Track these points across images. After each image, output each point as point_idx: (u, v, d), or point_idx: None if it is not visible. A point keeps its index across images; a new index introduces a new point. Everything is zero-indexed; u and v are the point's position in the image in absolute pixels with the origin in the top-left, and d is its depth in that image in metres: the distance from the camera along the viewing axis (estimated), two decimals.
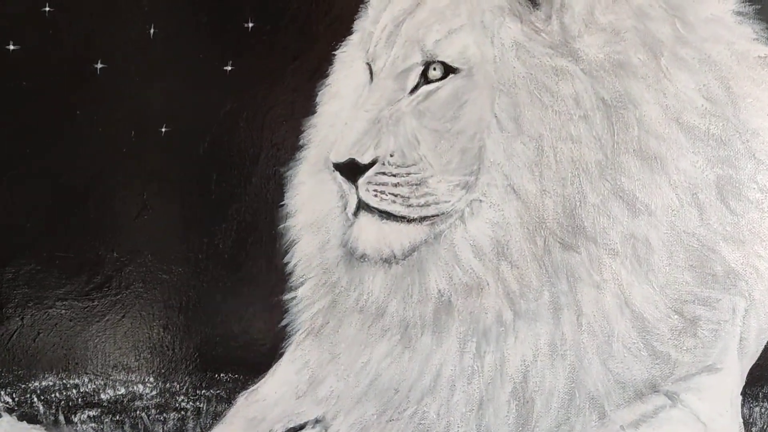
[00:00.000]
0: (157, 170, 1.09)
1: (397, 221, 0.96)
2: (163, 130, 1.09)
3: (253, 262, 1.10)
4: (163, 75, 1.10)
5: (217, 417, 1.08)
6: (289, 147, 1.08)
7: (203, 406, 1.08)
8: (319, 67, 1.06)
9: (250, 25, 1.10)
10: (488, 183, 0.94)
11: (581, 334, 0.94)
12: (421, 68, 0.96)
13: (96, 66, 1.09)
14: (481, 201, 0.95)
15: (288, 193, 1.09)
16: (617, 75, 0.94)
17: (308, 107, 1.06)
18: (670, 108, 0.94)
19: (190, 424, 1.07)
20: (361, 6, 1.05)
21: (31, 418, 1.08)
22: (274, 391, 1.07)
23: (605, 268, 0.94)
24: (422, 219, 0.96)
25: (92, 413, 1.07)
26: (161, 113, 1.10)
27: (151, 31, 1.09)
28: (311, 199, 1.05)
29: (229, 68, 1.09)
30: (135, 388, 1.08)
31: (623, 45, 0.94)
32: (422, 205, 0.96)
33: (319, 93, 1.07)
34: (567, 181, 0.93)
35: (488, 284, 0.95)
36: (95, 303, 1.09)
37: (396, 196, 0.95)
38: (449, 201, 0.95)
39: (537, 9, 0.95)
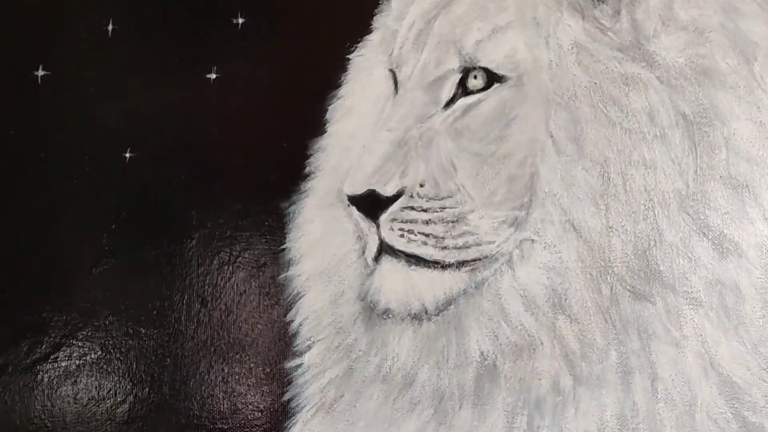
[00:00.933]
0: (120, 207, 1.16)
1: (429, 268, 1.08)
2: (128, 155, 1.18)
3: (246, 321, 1.20)
4: (125, 85, 1.18)
5: None
6: (292, 176, 1.20)
7: None
8: (329, 75, 1.19)
9: (240, 21, 1.19)
10: (542, 219, 1.06)
11: (657, 403, 1.04)
12: (459, 76, 1.10)
13: (36, 73, 1.13)
14: (533, 241, 1.06)
15: (291, 235, 1.20)
16: (701, 84, 1.06)
17: (316, 126, 1.19)
18: (765, 125, 1.07)
19: None
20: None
21: None
22: None
23: (686, 321, 1.04)
24: (460, 264, 1.08)
25: None
26: (124, 134, 1.18)
27: (110, 27, 1.16)
28: (321, 242, 1.17)
29: (213, 76, 1.18)
30: None
31: (708, 47, 1.07)
32: (460, 247, 1.07)
33: (330, 108, 1.20)
34: (639, 216, 1.05)
35: (542, 343, 1.05)
36: (40, 377, 1.14)
37: (428, 236, 1.07)
38: (494, 242, 1.07)
39: (602, 2, 1.09)
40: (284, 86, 1.21)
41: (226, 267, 1.18)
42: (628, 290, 1.03)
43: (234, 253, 1.18)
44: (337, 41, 1.17)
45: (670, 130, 1.04)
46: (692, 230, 1.03)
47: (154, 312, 1.15)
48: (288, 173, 1.19)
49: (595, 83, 1.05)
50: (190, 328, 1.16)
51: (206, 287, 1.18)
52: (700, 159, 1.04)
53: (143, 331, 1.15)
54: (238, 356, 1.16)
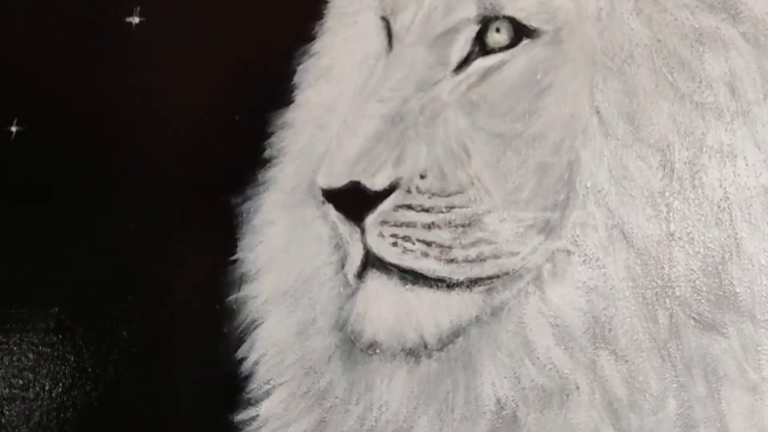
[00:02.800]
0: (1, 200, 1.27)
1: (431, 287, 1.20)
2: (14, 129, 1.28)
3: (181, 359, 1.31)
4: (8, 36, 1.28)
5: None
6: (246, 161, 1.31)
7: None
8: (297, 23, 1.30)
9: None
10: (582, 223, 1.18)
11: None
12: (476, 29, 1.21)
13: None
14: (569, 253, 1.18)
15: (244, 242, 1.31)
16: None
17: (279, 93, 1.30)
18: None
19: None
20: None
21: None
22: None
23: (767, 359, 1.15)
24: (472, 283, 1.20)
25: None
26: (8, 102, 1.27)
27: None
28: (285, 252, 1.28)
29: (134, 20, 1.30)
30: None
31: None
32: (473, 260, 1.19)
33: (299, 68, 1.31)
34: (711, 220, 1.17)
35: (578, 388, 1.16)
36: None
37: (429, 245, 1.19)
38: (518, 253, 1.19)
39: None
40: (236, 37, 1.32)
41: (153, 286, 1.30)
42: (693, 318, 1.13)
43: (164, 267, 1.29)
44: None
45: (757, 107, 1.16)
46: None
47: (49, 354, 1.27)
48: (240, 157, 1.30)
49: (659, 41, 1.16)
50: (101, 376, 1.28)
51: (121, 315, 1.28)
52: None
53: (32, 378, 1.28)
54: (168, 406, 1.27)
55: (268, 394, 1.28)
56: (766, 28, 1.19)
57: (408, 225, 1.19)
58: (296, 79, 1.32)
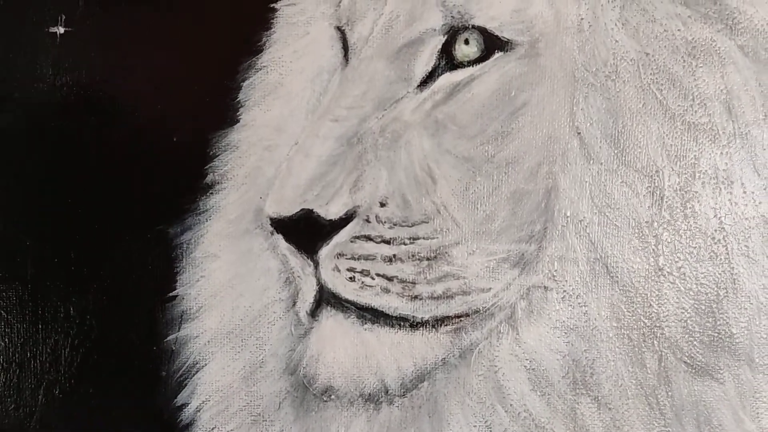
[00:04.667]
0: None
1: (393, 327, 1.16)
2: None
3: (113, 407, 1.27)
4: None
5: None
6: (186, 187, 1.26)
7: None
8: (243, 34, 1.24)
9: None
10: (561, 256, 1.14)
11: None
12: (442, 40, 1.16)
13: None
14: (547, 289, 1.15)
15: (184, 276, 1.26)
16: None
17: (223, 111, 1.25)
18: None
19: None
20: None
21: None
22: None
23: (767, 407, 1.12)
24: (439, 322, 1.16)
25: None
26: None
27: None
28: (230, 287, 1.23)
29: (59, 30, 1.25)
30: None
31: None
32: (439, 297, 1.15)
33: (245, 84, 1.26)
34: (704, 253, 1.13)
35: None
36: None
37: (391, 279, 1.15)
38: (489, 289, 1.15)
39: None
40: (173, 49, 1.26)
41: (84, 324, 1.25)
42: (684, 362, 1.11)
43: (95, 304, 1.24)
44: None
45: (757, 128, 1.11)
46: None
47: None
48: (179, 183, 1.25)
49: (647, 54, 1.11)
50: (22, 419, 1.23)
51: (47, 356, 1.24)
52: None
53: None
54: None
55: None
56: (767, 40, 1.13)
57: (367, 258, 1.15)
58: (241, 96, 1.27)
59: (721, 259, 1.13)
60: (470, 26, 1.15)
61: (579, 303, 1.14)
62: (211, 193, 1.27)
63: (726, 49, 1.13)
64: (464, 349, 1.16)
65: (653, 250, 1.13)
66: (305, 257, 1.16)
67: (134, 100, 1.30)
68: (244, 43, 1.26)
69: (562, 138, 1.14)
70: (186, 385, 1.26)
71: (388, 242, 1.15)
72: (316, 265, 1.16)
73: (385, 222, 1.15)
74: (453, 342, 1.16)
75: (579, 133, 1.13)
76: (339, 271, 1.15)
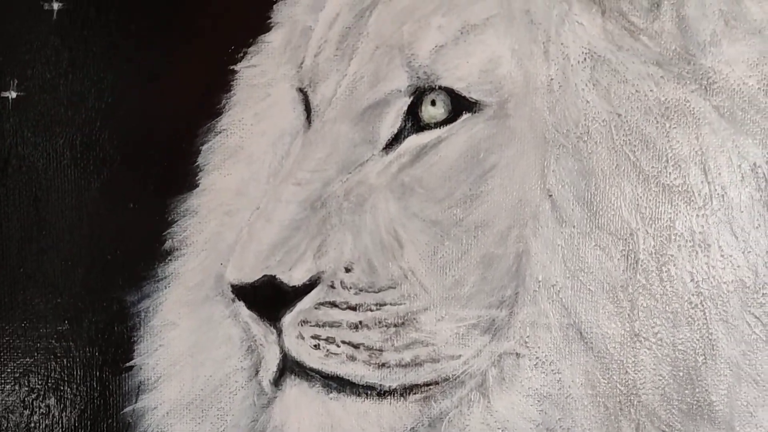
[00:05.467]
0: None
1: (359, 395, 1.14)
2: None
3: None
4: None
5: None
6: (144, 253, 1.25)
7: None
8: (202, 97, 1.23)
9: (56, 5, 1.25)
10: (533, 322, 1.13)
11: None
12: (408, 101, 1.15)
13: None
14: (519, 356, 1.13)
15: (141, 345, 1.25)
16: None
17: (181, 176, 1.24)
18: None
19: None
20: None
21: None
22: None
23: None
24: (407, 390, 1.14)
25: None
26: None
27: None
28: (190, 356, 1.22)
29: (11, 95, 1.24)
30: None
31: None
32: (408, 365, 1.14)
33: (204, 148, 1.24)
34: (681, 318, 1.12)
35: None
36: None
37: (357, 347, 1.13)
38: (459, 356, 1.14)
39: None
40: (129, 112, 1.25)
41: (37, 396, 1.23)
42: (663, 431, 1.10)
43: (43, 377, 1.22)
44: (216, 43, 1.22)
45: (734, 189, 1.10)
46: (761, 340, 1.09)
47: None
48: (137, 250, 1.24)
49: (619, 115, 1.10)
50: None
51: None
52: None
53: None
54: None
55: None
56: (744, 100, 1.13)
57: (332, 325, 1.13)
58: (201, 160, 1.26)
59: (698, 324, 1.12)
60: (437, 87, 1.14)
61: (552, 370, 1.13)
62: (170, 260, 1.26)
63: (701, 109, 1.12)
64: (434, 418, 1.15)
65: (628, 315, 1.12)
66: (268, 325, 1.15)
67: (88, 165, 1.28)
68: (204, 105, 1.24)
69: (533, 201, 1.13)
70: None
71: (353, 308, 1.13)
72: (280, 332, 1.14)
73: (350, 288, 1.14)
74: (422, 411, 1.15)
75: (550, 196, 1.12)
76: (303, 338, 1.13)
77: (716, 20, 1.13)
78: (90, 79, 1.28)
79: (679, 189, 1.13)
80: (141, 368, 1.25)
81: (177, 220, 1.26)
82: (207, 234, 1.24)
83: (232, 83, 1.24)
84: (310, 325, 1.13)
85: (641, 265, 1.12)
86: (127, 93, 1.28)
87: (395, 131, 1.16)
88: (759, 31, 1.13)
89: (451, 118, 1.14)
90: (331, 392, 1.15)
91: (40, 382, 1.27)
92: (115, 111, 1.27)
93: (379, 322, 1.14)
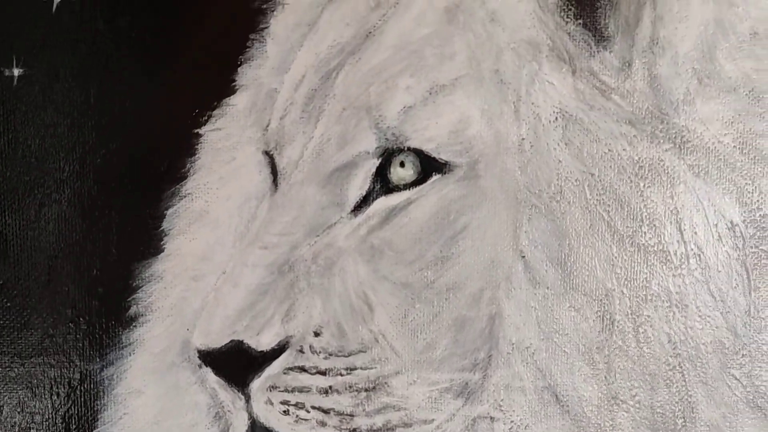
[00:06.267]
0: None
1: None
2: None
3: None
4: None
5: None
6: (107, 320, 1.24)
7: None
8: (165, 160, 1.24)
9: (17, 71, 1.26)
10: (507, 385, 1.12)
11: None
12: (377, 163, 1.15)
13: None
14: (493, 420, 1.13)
15: (105, 414, 1.24)
16: (758, 177, 1.12)
17: (146, 241, 1.24)
18: None
19: None
20: (251, 37, 1.22)
21: None
22: None
23: None
24: None
25: None
26: None
27: None
28: (155, 424, 1.21)
29: None
30: None
31: None
32: (379, 429, 1.14)
33: (169, 212, 1.24)
34: (659, 380, 1.11)
35: None
36: None
37: (327, 412, 1.13)
38: (432, 420, 1.14)
39: (605, 48, 1.13)
40: (93, 176, 1.25)
41: None
42: None
43: None
44: (179, 106, 1.22)
45: (710, 248, 1.10)
46: (743, 402, 1.09)
47: None
48: (100, 316, 1.23)
49: (592, 175, 1.11)
50: None
51: None
52: (755, 293, 1.10)
53: None
54: None
55: None
56: (719, 158, 1.13)
57: (301, 390, 1.13)
58: (165, 224, 1.25)
59: (677, 386, 1.11)
60: (406, 148, 1.14)
61: None
62: (135, 326, 1.25)
63: (675, 168, 1.12)
64: None
65: (605, 377, 1.11)
66: (236, 390, 1.14)
67: (55, 227, 1.28)
68: (168, 169, 1.25)
69: (506, 262, 1.13)
70: None
71: (323, 373, 1.13)
72: (248, 398, 1.14)
73: (320, 352, 1.14)
74: None
75: (523, 257, 1.12)
76: (272, 404, 1.13)
77: (689, 79, 1.13)
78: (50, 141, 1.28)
79: (655, 249, 1.12)
80: None
81: (142, 286, 1.25)
82: (172, 299, 1.23)
83: (196, 147, 1.24)
84: (279, 391, 1.13)
85: (617, 326, 1.12)
86: (90, 157, 1.27)
87: (364, 193, 1.16)
88: (734, 89, 1.13)
89: (421, 179, 1.14)
90: None
91: None
92: (79, 176, 1.27)
93: (350, 387, 1.13)
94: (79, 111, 1.25)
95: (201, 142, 1.25)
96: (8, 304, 1.27)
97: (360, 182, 1.16)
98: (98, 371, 1.26)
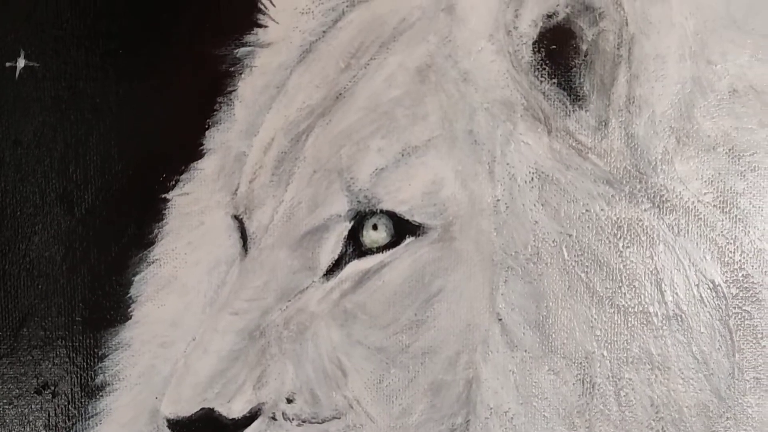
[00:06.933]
0: None
1: None
2: None
3: None
4: None
5: None
6: (74, 390, 1.24)
7: None
8: (131, 226, 1.24)
9: None
10: None
11: None
12: (349, 226, 1.15)
13: None
14: None
15: None
16: (740, 236, 1.12)
17: (113, 309, 1.23)
18: None
19: None
20: (219, 100, 1.22)
21: None
22: None
23: None
24: None
25: None
26: None
27: None
28: None
29: None
30: None
31: (751, 179, 1.12)
32: None
33: (136, 279, 1.24)
34: None
35: None
36: None
37: None
38: None
39: (580, 107, 1.13)
40: (58, 242, 1.24)
41: None
42: None
43: None
44: (146, 171, 1.22)
45: (691, 309, 1.09)
46: None
47: None
48: (66, 385, 1.22)
49: (570, 235, 1.10)
50: None
51: None
52: (739, 354, 1.09)
53: None
54: None
55: None
56: (699, 218, 1.12)
57: None
58: (133, 291, 1.25)
59: None
60: (378, 211, 1.14)
61: None
62: (102, 396, 1.24)
63: (655, 228, 1.12)
64: None
65: None
66: None
67: (15, 295, 1.28)
68: (135, 235, 1.25)
69: (482, 325, 1.12)
70: None
71: None
72: None
73: (293, 419, 1.13)
74: None
75: (500, 320, 1.12)
76: None
77: (667, 137, 1.13)
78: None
79: (635, 310, 1.12)
80: None
81: (109, 354, 1.24)
82: (141, 367, 1.22)
83: (164, 212, 1.24)
84: None
85: (598, 390, 1.11)
86: (56, 222, 1.27)
87: (336, 257, 1.15)
88: (713, 147, 1.13)
89: (394, 241, 1.14)
90: None
91: None
92: (45, 244, 1.27)
93: None
94: (44, 176, 1.25)
95: (169, 207, 1.24)
96: None
97: (332, 246, 1.15)
98: None
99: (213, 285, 1.20)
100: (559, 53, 1.13)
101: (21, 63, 1.24)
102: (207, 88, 1.22)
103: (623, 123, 1.13)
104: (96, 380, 1.24)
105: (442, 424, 1.13)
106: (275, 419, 1.13)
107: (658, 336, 1.11)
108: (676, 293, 1.11)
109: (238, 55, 1.21)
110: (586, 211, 1.12)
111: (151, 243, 1.24)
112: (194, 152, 1.23)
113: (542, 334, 1.11)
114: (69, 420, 1.24)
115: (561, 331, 1.12)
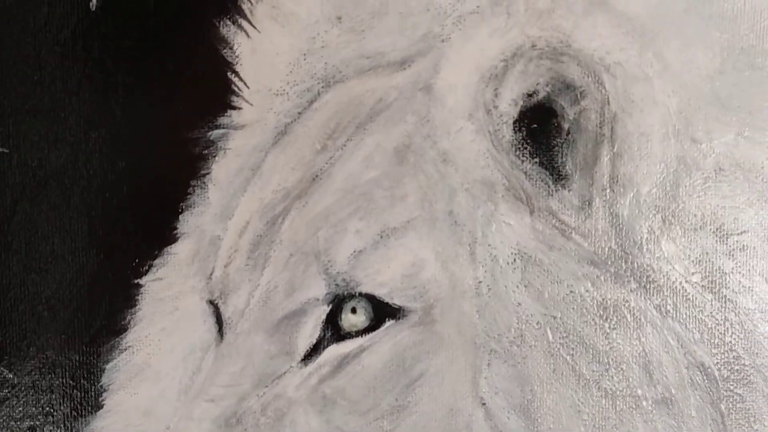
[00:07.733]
0: None
1: None
2: None
3: None
4: None
5: None
6: None
7: None
8: (105, 314, 1.23)
9: None
10: None
11: None
12: (327, 309, 1.14)
13: None
14: None
15: None
16: (732, 319, 1.11)
17: (84, 398, 1.22)
18: None
19: None
20: (192, 183, 1.21)
21: None
22: None
23: None
24: None
25: None
26: None
27: None
28: None
29: None
30: None
31: (741, 258, 1.11)
32: None
33: (109, 367, 1.22)
34: None
35: None
36: None
37: None
38: None
39: (563, 187, 1.13)
40: (29, 333, 1.24)
41: None
42: None
43: None
44: (119, 256, 1.22)
45: (681, 392, 1.08)
46: None
47: None
48: None
49: (554, 317, 1.10)
50: None
51: None
52: None
53: None
54: None
55: None
56: (687, 299, 1.11)
57: None
58: (104, 379, 1.23)
59: None
60: (357, 294, 1.13)
61: None
62: None
63: (641, 309, 1.11)
64: None
65: None
66: None
67: None
68: (108, 323, 1.23)
69: (466, 410, 1.11)
70: None
71: None
72: None
73: None
74: None
75: (484, 404, 1.11)
76: None
77: (653, 217, 1.12)
78: None
79: (623, 393, 1.11)
80: None
81: None
82: None
83: (137, 298, 1.23)
84: None
85: None
86: (30, 313, 1.27)
87: (314, 341, 1.14)
88: (700, 227, 1.12)
89: (374, 325, 1.13)
90: None
91: None
92: (17, 339, 1.27)
93: None
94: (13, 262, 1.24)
95: (141, 293, 1.23)
96: None
97: (310, 330, 1.14)
98: None
99: (188, 372, 1.19)
100: (540, 132, 1.13)
101: None
102: (180, 170, 1.21)
103: (607, 202, 1.12)
104: None
105: None
106: None
107: (647, 420, 1.10)
108: (665, 376, 1.10)
109: (211, 138, 1.20)
110: (571, 292, 1.11)
111: (123, 330, 1.23)
112: (168, 236, 1.22)
113: (528, 419, 1.10)
114: None
115: (547, 416, 1.10)
